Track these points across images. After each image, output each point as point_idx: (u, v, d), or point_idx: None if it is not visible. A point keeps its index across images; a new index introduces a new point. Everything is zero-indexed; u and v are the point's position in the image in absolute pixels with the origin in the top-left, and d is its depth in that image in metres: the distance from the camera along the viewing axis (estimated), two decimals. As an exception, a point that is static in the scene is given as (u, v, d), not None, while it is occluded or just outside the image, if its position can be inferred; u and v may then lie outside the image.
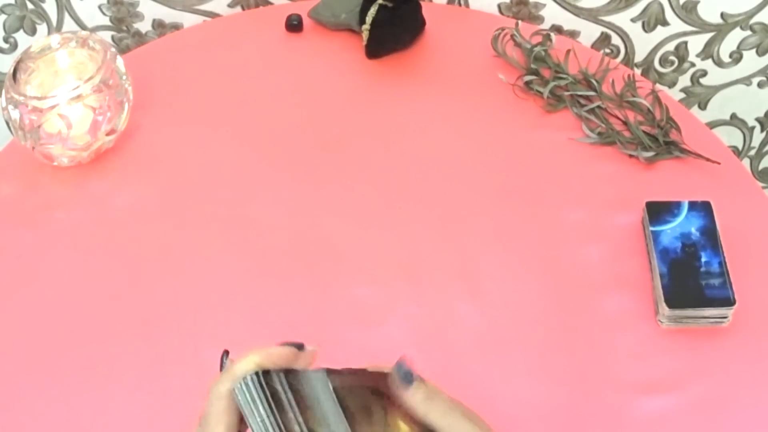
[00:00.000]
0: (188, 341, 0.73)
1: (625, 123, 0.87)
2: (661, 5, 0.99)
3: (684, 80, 1.09)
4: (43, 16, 1.09)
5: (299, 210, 0.82)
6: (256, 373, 0.44)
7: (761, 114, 1.13)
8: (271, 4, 1.06)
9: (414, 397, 0.48)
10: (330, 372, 0.45)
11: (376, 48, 0.94)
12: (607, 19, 1.02)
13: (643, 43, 1.04)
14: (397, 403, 0.49)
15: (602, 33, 1.04)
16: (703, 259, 0.73)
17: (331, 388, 0.44)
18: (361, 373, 0.49)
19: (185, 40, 1.00)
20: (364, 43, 0.94)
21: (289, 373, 0.44)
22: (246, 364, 0.45)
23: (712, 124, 1.14)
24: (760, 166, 1.21)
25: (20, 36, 1.12)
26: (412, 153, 0.86)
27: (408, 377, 0.48)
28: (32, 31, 1.11)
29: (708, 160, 0.83)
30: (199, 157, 0.87)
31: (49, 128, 0.81)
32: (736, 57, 1.05)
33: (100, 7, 1.07)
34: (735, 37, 1.02)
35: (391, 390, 0.49)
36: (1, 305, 0.77)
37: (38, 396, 0.71)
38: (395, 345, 0.72)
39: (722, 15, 1.00)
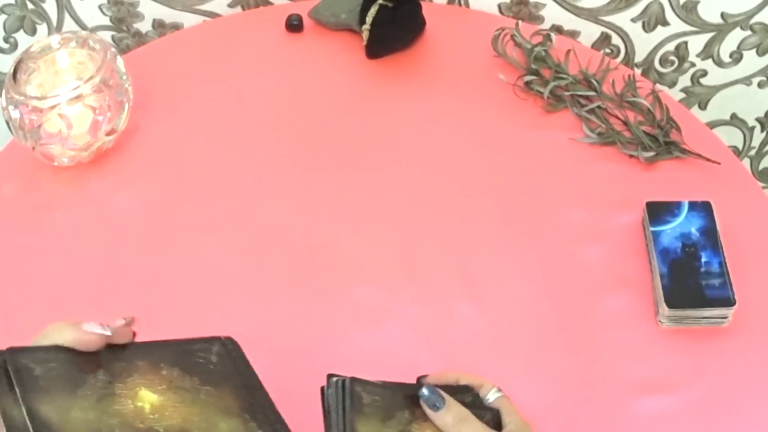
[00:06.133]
0: (188, 341, 0.73)
1: (626, 123, 0.87)
2: (661, 5, 0.99)
3: (684, 80, 1.09)
4: (43, 16, 1.09)
5: (299, 210, 0.82)
6: None
7: (761, 114, 1.13)
8: (271, 4, 1.06)
9: (444, 419, 0.50)
10: (357, 381, 0.49)
11: (377, 48, 0.94)
12: (607, 19, 1.02)
13: (644, 43, 1.04)
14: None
15: (602, 33, 1.04)
16: (703, 260, 0.73)
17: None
18: (395, 385, 0.52)
19: (185, 40, 1.00)
20: (365, 43, 0.94)
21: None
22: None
23: (712, 124, 1.14)
24: (760, 166, 1.21)
25: (20, 36, 1.12)
26: (412, 153, 0.86)
27: (435, 402, 0.50)
28: (32, 31, 1.11)
29: (708, 160, 0.83)
30: (199, 157, 0.87)
31: (50, 128, 0.81)
32: (737, 57, 1.05)
33: (100, 7, 1.07)
34: (735, 37, 1.02)
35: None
36: (1, 305, 0.77)
37: (38, 396, 0.71)
38: (395, 345, 0.72)
39: (722, 15, 1.00)
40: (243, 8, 1.06)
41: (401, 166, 0.85)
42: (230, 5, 1.06)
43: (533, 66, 0.91)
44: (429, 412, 0.51)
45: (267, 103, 0.92)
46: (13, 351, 0.43)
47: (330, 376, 0.52)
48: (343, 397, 0.50)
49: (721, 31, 1.02)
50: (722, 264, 0.73)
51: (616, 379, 0.70)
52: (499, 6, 1.03)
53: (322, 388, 0.52)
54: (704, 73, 1.07)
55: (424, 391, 0.51)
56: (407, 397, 0.52)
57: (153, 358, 0.48)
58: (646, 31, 1.03)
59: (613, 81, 0.90)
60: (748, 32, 1.02)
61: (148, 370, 0.47)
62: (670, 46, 1.04)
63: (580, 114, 0.88)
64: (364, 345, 0.72)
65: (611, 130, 0.86)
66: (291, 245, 0.79)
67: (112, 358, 0.46)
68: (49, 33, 1.11)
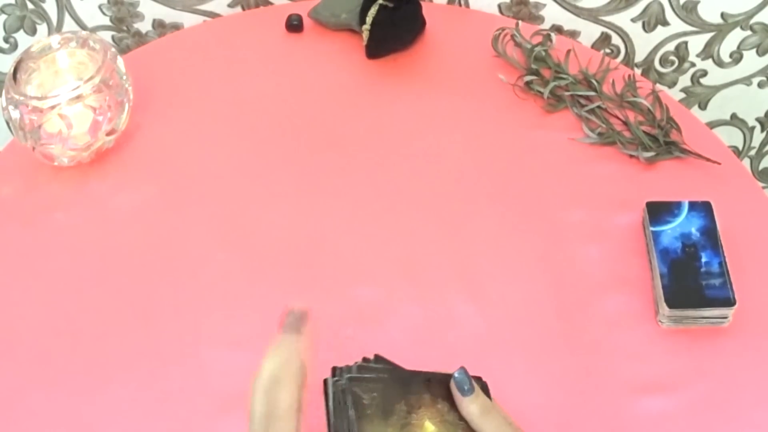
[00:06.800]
0: (188, 341, 0.73)
1: (626, 123, 0.87)
2: (661, 5, 0.99)
3: (684, 80, 1.09)
4: (44, 16, 1.09)
5: (299, 210, 0.82)
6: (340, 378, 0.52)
7: (761, 114, 1.13)
8: (271, 4, 1.06)
9: (470, 407, 0.52)
10: (354, 380, 0.52)
11: (377, 48, 0.94)
12: (607, 19, 1.02)
13: (644, 43, 1.04)
14: (430, 405, 0.53)
15: (602, 33, 1.04)
16: (704, 260, 0.73)
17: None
18: (386, 370, 0.54)
19: (185, 40, 1.00)
20: (365, 43, 0.94)
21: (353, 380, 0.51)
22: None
23: (712, 124, 1.14)
24: (760, 166, 1.21)
25: (20, 36, 1.12)
26: (412, 153, 0.86)
27: (465, 385, 0.53)
28: (32, 31, 1.11)
29: (708, 160, 0.83)
30: (200, 157, 0.87)
31: (50, 128, 0.81)
32: (737, 57, 1.05)
33: (100, 7, 1.07)
34: (735, 37, 1.02)
35: (440, 392, 0.54)
36: (1, 305, 0.77)
37: (38, 396, 0.71)
38: (395, 345, 0.72)
39: (722, 15, 1.00)
40: (243, 8, 1.06)
41: (401, 166, 0.85)
42: (230, 5, 1.06)
43: (533, 66, 0.91)
44: (457, 395, 0.52)
45: (267, 103, 0.92)
46: (352, 380, 0.51)
47: (334, 369, 0.53)
48: (345, 402, 0.51)
49: (721, 31, 1.02)
50: (722, 264, 0.73)
51: (616, 379, 0.70)
52: (499, 6, 1.03)
53: (325, 380, 0.52)
54: (704, 73, 1.07)
55: (457, 374, 0.53)
56: (400, 385, 0.53)
57: (433, 392, 0.53)
58: (646, 31, 1.03)
59: (613, 81, 0.90)
60: (748, 32, 1.02)
61: (431, 403, 0.53)
62: (670, 46, 1.04)
63: (580, 114, 0.88)
64: (363, 345, 0.72)
65: (611, 130, 0.86)
66: (291, 245, 0.79)
67: (407, 390, 0.53)
68: (49, 33, 1.11)
